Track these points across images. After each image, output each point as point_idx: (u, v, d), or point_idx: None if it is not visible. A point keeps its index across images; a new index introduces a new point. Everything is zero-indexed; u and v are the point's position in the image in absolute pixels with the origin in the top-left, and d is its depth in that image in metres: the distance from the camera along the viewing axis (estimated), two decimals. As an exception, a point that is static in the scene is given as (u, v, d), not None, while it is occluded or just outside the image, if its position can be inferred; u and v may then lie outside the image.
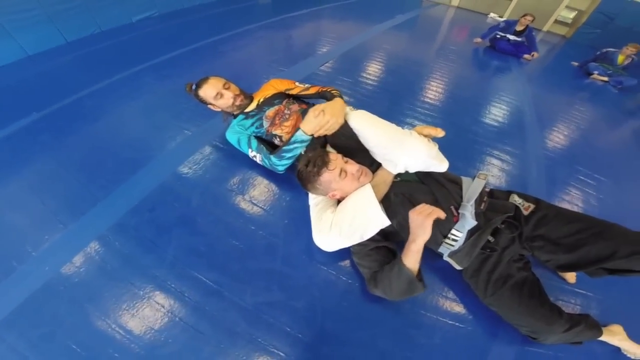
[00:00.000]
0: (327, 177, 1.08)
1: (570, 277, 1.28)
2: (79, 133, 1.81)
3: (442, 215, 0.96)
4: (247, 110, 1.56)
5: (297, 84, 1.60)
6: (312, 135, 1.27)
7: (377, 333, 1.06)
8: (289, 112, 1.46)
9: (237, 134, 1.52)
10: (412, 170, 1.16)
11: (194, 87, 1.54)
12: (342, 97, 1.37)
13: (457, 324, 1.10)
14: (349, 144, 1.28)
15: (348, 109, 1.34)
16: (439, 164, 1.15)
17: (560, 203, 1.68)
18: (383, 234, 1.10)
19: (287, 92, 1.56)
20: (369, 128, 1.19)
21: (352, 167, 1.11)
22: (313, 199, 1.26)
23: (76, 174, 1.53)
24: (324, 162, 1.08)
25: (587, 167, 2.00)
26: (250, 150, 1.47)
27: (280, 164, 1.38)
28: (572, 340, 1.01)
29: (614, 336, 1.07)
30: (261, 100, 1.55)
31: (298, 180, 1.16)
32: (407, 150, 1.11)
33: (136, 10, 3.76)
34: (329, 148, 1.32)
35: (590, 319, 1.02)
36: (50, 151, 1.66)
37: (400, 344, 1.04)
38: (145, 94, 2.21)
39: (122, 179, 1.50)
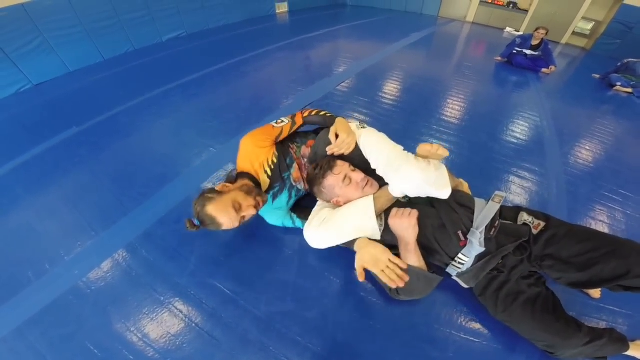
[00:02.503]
0: (331, 181, 1.11)
1: (594, 291, 1.22)
2: (114, 148, 1.97)
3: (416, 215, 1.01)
4: (266, 189, 1.31)
5: (275, 125, 1.30)
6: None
7: (388, 346, 1.06)
8: (306, 159, 1.37)
9: (282, 219, 1.36)
10: (411, 195, 1.11)
11: (195, 221, 1.12)
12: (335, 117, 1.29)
13: (471, 338, 1.09)
14: (361, 166, 1.21)
15: (354, 126, 1.25)
16: (437, 191, 1.07)
17: (584, 219, 1.63)
18: (390, 245, 1.07)
19: (278, 141, 1.32)
20: (373, 150, 1.17)
21: (358, 175, 1.13)
22: (318, 205, 1.24)
23: (110, 186, 1.66)
24: (330, 166, 1.12)
25: (612, 182, 1.93)
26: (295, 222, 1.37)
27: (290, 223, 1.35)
28: (594, 355, 0.97)
29: None
30: (267, 170, 1.27)
31: (307, 183, 1.21)
32: (401, 177, 1.08)
33: (166, 30, 4.07)
34: None
35: (615, 332, 0.98)
36: (88, 164, 1.82)
37: (411, 358, 1.03)
38: (173, 112, 2.37)
39: (151, 192, 1.62)
